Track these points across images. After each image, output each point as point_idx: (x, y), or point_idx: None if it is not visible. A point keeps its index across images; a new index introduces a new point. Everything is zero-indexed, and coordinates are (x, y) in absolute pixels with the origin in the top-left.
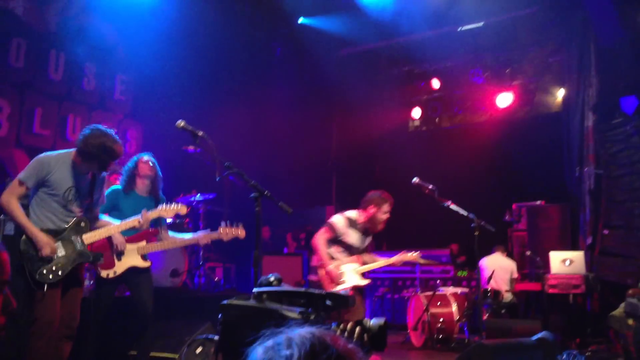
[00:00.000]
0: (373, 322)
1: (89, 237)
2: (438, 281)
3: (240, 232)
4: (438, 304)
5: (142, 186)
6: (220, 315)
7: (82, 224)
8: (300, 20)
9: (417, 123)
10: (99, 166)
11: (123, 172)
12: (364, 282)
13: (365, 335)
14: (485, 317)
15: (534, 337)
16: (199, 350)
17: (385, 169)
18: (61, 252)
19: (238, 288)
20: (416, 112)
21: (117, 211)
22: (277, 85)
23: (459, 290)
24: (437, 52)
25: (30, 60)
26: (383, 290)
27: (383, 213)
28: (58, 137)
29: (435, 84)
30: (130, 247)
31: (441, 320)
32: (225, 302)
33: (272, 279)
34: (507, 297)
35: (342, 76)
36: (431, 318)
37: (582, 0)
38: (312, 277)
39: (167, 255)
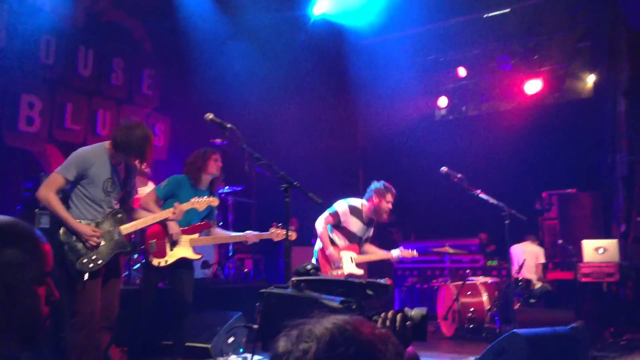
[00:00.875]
0: (415, 311)
1: (127, 228)
2: (468, 271)
3: (292, 234)
4: (468, 293)
5: (205, 181)
6: (258, 304)
7: (119, 215)
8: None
9: (443, 112)
10: (136, 155)
11: (189, 163)
12: (359, 271)
13: (408, 324)
14: (516, 307)
15: (569, 326)
16: (230, 340)
17: (413, 159)
18: (101, 242)
19: (268, 279)
20: (442, 101)
21: (174, 199)
22: (302, 75)
23: (489, 279)
24: (462, 39)
25: (60, 57)
26: (412, 280)
27: (386, 203)
28: (89, 132)
29: (462, 72)
30: (184, 239)
31: (472, 309)
32: (264, 290)
33: (309, 267)
34: (539, 285)
35: (367, 65)
36: (461, 307)
37: None
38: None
39: (197, 246)
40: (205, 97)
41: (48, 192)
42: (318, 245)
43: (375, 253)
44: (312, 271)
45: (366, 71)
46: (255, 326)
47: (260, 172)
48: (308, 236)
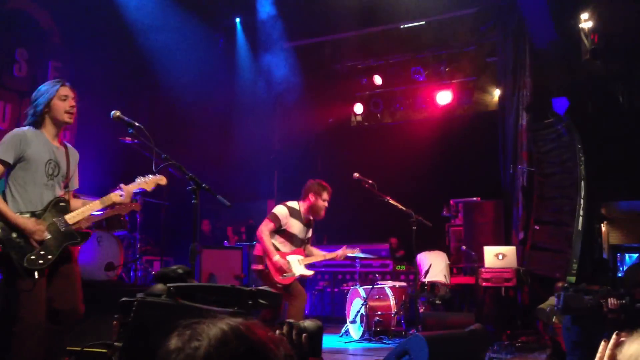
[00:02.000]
0: (309, 322)
1: (73, 217)
2: (377, 275)
3: (160, 179)
4: (376, 297)
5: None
6: (117, 316)
7: (62, 204)
8: (237, 20)
9: (359, 118)
10: (51, 114)
11: None
12: (309, 272)
13: (304, 336)
14: (421, 310)
15: (467, 329)
16: None
17: (327, 163)
18: (46, 235)
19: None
20: (358, 108)
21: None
22: (219, 76)
23: (397, 283)
24: (379, 48)
25: None
26: (323, 284)
27: (322, 201)
28: None
29: (378, 80)
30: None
31: (379, 313)
32: (130, 299)
33: (180, 270)
34: (444, 289)
35: (285, 69)
36: (369, 311)
37: (519, 3)
38: (256, 267)
39: (101, 248)
40: (116, 93)
41: None
42: (263, 252)
43: (319, 254)
44: (184, 275)
45: (283, 75)
46: (117, 344)
47: (172, 172)
48: (221, 239)
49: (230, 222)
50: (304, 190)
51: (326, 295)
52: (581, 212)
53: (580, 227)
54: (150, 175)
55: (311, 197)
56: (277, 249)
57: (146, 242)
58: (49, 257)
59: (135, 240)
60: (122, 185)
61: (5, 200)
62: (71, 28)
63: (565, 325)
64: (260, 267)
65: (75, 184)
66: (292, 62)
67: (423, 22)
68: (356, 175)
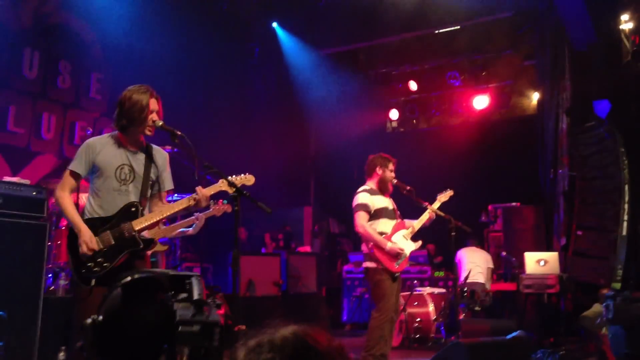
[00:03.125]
0: None
1: (139, 222)
2: (415, 281)
3: (227, 207)
4: (415, 303)
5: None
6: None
7: (133, 209)
8: (274, 24)
9: (394, 124)
10: (128, 122)
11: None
12: (417, 244)
13: None
14: (461, 317)
15: (509, 336)
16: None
17: (364, 170)
18: (109, 241)
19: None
20: (394, 114)
21: None
22: (255, 85)
23: (436, 290)
24: (414, 54)
25: (4, 58)
26: (361, 290)
27: (390, 171)
28: (32, 136)
29: (413, 85)
30: None
31: (418, 320)
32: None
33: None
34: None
35: (320, 77)
36: (408, 317)
37: (556, 5)
38: (368, 264)
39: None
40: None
41: (59, 191)
42: (369, 248)
43: (419, 219)
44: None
45: (319, 83)
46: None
47: (211, 179)
48: (257, 246)
49: (267, 229)
50: (367, 168)
51: (364, 301)
52: (625, 217)
53: (624, 233)
54: (236, 176)
55: (378, 171)
56: (382, 234)
57: (186, 249)
58: (106, 264)
59: (175, 247)
60: (198, 187)
61: (85, 207)
62: (111, 40)
63: (613, 336)
64: (372, 264)
65: (166, 185)
66: (328, 68)
67: (458, 27)
68: (395, 181)
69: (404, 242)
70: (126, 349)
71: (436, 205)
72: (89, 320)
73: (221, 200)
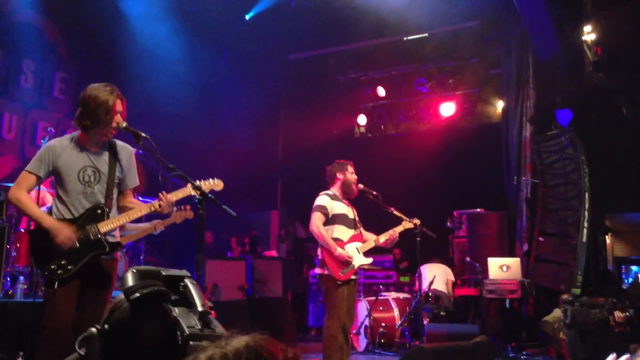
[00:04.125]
0: None
1: (105, 225)
2: (381, 286)
3: (189, 214)
4: (380, 308)
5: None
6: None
7: (99, 211)
8: (248, 16)
9: (362, 130)
10: (92, 123)
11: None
12: (368, 260)
13: None
14: (426, 322)
15: (472, 341)
16: None
17: (326, 175)
18: (75, 243)
19: None
20: (362, 119)
21: None
22: (223, 88)
23: (401, 295)
24: (383, 60)
25: None
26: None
27: (350, 174)
28: None
29: (381, 91)
30: None
31: (383, 324)
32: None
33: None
34: (447, 301)
35: (289, 81)
36: (373, 322)
37: (522, 16)
38: (319, 271)
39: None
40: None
41: (17, 191)
42: (321, 254)
43: (372, 238)
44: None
45: (287, 86)
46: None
47: (177, 183)
48: (224, 250)
49: (233, 233)
50: (328, 176)
51: None
52: (585, 224)
53: (584, 239)
54: (197, 182)
55: (339, 175)
56: (336, 240)
57: (150, 252)
58: (70, 267)
59: (139, 250)
60: (162, 193)
61: (51, 211)
62: (76, 39)
63: (570, 340)
64: (321, 270)
65: (131, 181)
66: (296, 74)
67: (426, 34)
68: (360, 186)
69: (355, 254)
70: (129, 358)
71: (399, 228)
72: (94, 330)
73: (187, 206)
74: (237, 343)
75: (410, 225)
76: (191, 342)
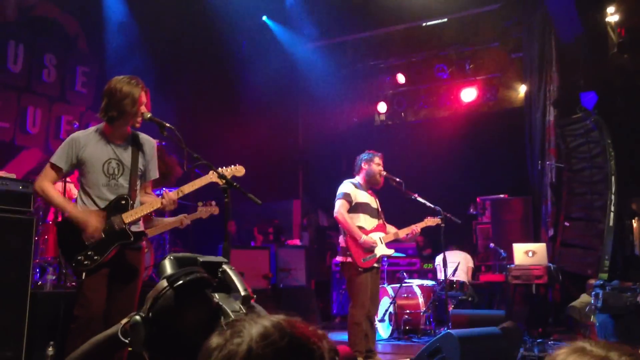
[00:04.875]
0: None
1: (129, 215)
2: (405, 273)
3: (214, 209)
4: (404, 295)
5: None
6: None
7: (123, 202)
8: (264, 18)
9: (382, 117)
10: (119, 114)
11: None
12: (390, 251)
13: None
14: (450, 308)
15: (499, 326)
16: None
17: (352, 163)
18: (101, 234)
19: None
20: (382, 107)
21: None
22: (242, 78)
23: (425, 282)
24: (402, 47)
25: None
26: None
27: (376, 165)
28: (18, 130)
29: (401, 78)
30: None
31: (407, 311)
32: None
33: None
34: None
35: (308, 70)
36: (398, 309)
37: None
38: (341, 258)
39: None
40: None
41: (41, 182)
42: (344, 242)
43: (400, 230)
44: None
45: (307, 75)
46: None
47: (200, 173)
48: (246, 239)
49: (256, 223)
50: (355, 164)
51: None
52: (612, 208)
53: (611, 223)
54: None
55: (364, 166)
56: (360, 228)
57: (174, 243)
58: (96, 257)
59: (164, 241)
60: (165, 191)
61: (77, 202)
62: (97, 33)
63: (602, 324)
64: (343, 258)
65: (152, 174)
66: (315, 62)
67: (446, 19)
68: (383, 173)
69: (378, 243)
70: (175, 345)
71: (421, 225)
72: (138, 317)
73: (212, 202)
74: (262, 319)
75: (432, 224)
76: None
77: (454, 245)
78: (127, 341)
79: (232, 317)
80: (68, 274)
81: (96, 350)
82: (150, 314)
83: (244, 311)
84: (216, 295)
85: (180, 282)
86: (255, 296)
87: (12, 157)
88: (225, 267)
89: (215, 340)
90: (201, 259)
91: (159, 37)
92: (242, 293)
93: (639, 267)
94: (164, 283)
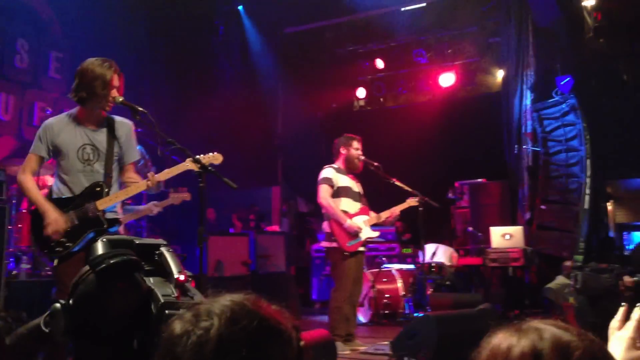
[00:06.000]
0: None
1: (103, 202)
2: (384, 258)
3: (186, 195)
4: (384, 280)
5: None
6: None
7: (97, 189)
8: (240, 7)
9: (362, 102)
10: (88, 95)
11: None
12: (375, 233)
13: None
14: (429, 292)
15: (476, 309)
16: None
17: (331, 148)
18: (73, 221)
19: (186, 269)
20: (361, 92)
21: None
22: (220, 64)
23: (404, 266)
24: (380, 32)
25: None
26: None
27: (354, 149)
28: None
29: (380, 63)
30: None
31: (387, 296)
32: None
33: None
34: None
35: (286, 55)
36: (377, 294)
37: None
38: (326, 244)
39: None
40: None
41: (23, 174)
42: (329, 227)
43: (382, 213)
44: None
45: (286, 60)
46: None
47: (177, 160)
48: (226, 227)
49: (235, 210)
50: (333, 150)
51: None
52: (587, 191)
53: (586, 206)
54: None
55: (342, 150)
56: (343, 212)
57: (152, 230)
58: (68, 244)
59: (142, 228)
60: (150, 173)
61: (51, 188)
62: (71, 18)
63: (580, 305)
64: (328, 244)
65: (131, 156)
66: (294, 47)
67: (424, 4)
68: (362, 157)
69: (363, 227)
70: (99, 332)
71: (402, 206)
72: (57, 305)
73: (184, 188)
74: (222, 300)
75: (414, 204)
76: (167, 311)
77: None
78: (47, 331)
79: (162, 301)
80: (43, 263)
81: (22, 341)
82: (70, 301)
83: (175, 295)
84: (151, 279)
85: (103, 265)
86: (191, 279)
87: None
88: (162, 249)
89: (178, 326)
90: (137, 241)
91: (135, 21)
92: (175, 275)
93: (613, 248)
94: (86, 267)
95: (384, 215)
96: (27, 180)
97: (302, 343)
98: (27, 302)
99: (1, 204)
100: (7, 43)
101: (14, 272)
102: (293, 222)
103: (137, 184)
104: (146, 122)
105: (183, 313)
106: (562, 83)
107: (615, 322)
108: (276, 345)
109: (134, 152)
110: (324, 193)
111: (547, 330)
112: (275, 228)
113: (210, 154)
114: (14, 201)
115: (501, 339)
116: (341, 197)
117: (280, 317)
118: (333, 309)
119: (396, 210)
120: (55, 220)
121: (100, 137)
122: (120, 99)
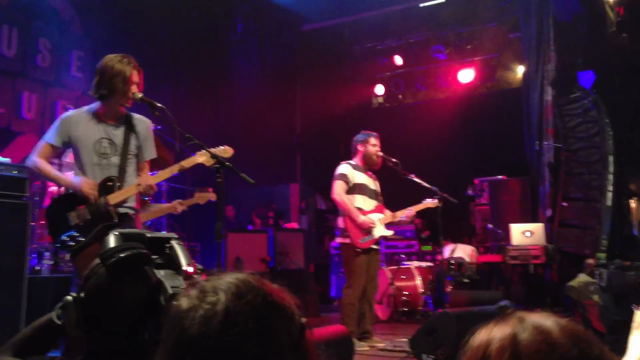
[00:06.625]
0: None
1: (115, 197)
2: (403, 255)
3: (212, 195)
4: (403, 277)
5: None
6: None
7: (109, 183)
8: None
9: (380, 99)
10: (109, 92)
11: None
12: (389, 232)
13: None
14: (448, 289)
15: (496, 305)
16: None
17: (350, 146)
18: (85, 216)
19: (205, 267)
20: (379, 89)
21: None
22: (239, 61)
23: (423, 264)
24: (399, 28)
25: None
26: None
27: (372, 146)
28: (13, 115)
29: (398, 60)
30: None
31: (406, 293)
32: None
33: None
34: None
35: (304, 53)
36: (396, 291)
37: None
38: (340, 240)
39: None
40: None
41: (33, 157)
42: (343, 223)
43: (397, 212)
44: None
45: (304, 57)
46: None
47: (193, 155)
48: (245, 224)
49: (254, 207)
50: (351, 146)
51: None
52: (610, 188)
53: (609, 203)
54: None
55: (360, 147)
56: (358, 209)
57: (172, 227)
58: (81, 239)
59: (161, 225)
60: (139, 177)
61: None
62: (92, 17)
63: (605, 303)
64: (342, 240)
65: (148, 154)
66: (312, 44)
67: (443, 0)
68: (380, 154)
69: (377, 224)
70: (110, 324)
71: (419, 207)
72: (69, 298)
73: (210, 188)
74: (227, 277)
75: (431, 205)
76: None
77: (448, 240)
78: (59, 323)
79: (170, 292)
80: (64, 258)
81: (37, 334)
82: (82, 294)
83: (184, 287)
84: (161, 272)
85: (113, 259)
86: (201, 271)
87: (7, 143)
88: (173, 242)
89: (185, 301)
90: (149, 234)
91: (154, 20)
92: (183, 267)
93: (637, 246)
94: (97, 260)
95: (400, 214)
96: (42, 162)
97: (304, 320)
98: (50, 298)
99: (24, 200)
100: (29, 42)
101: (37, 268)
102: (312, 220)
103: (129, 187)
104: (165, 118)
105: (189, 290)
106: (584, 78)
107: (638, 317)
108: (280, 320)
109: (151, 150)
110: (338, 189)
111: (529, 318)
112: (294, 225)
113: (220, 147)
114: (36, 198)
115: (484, 330)
116: (355, 194)
117: (283, 294)
118: (345, 305)
119: (412, 210)
120: (84, 181)
121: (118, 132)
122: (140, 95)
